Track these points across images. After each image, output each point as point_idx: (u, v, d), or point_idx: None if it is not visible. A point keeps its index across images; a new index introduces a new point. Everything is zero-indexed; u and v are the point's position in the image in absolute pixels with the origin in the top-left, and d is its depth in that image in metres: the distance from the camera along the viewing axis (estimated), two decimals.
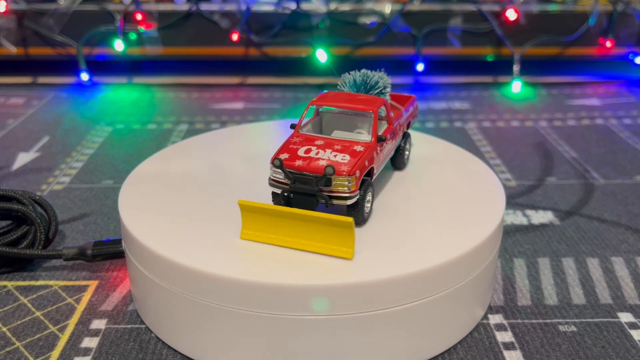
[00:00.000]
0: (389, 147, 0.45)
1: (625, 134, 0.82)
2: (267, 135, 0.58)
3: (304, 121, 0.45)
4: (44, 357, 0.41)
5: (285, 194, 0.40)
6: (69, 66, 1.04)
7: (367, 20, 1.00)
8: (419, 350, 0.40)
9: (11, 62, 1.05)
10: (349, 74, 0.48)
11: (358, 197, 0.39)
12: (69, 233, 0.56)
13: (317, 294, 0.36)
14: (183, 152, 0.54)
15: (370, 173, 0.42)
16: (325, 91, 0.47)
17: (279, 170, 0.40)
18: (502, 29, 1.01)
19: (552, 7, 1.01)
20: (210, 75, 1.09)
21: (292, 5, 0.99)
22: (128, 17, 1.00)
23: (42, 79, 1.06)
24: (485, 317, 0.45)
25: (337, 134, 0.45)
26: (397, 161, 0.50)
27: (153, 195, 0.46)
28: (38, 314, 0.45)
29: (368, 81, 0.47)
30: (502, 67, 1.05)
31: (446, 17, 1.00)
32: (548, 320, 0.45)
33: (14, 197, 0.51)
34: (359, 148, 0.41)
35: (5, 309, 0.46)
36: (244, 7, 0.99)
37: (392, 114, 0.46)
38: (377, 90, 0.47)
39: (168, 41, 1.01)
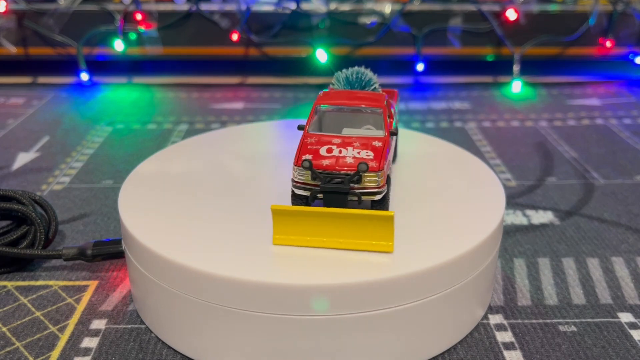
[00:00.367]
0: (394, 142, 0.46)
1: (625, 134, 0.82)
2: (267, 136, 0.58)
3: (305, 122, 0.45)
4: (43, 357, 0.41)
5: (315, 195, 0.39)
6: (69, 66, 1.04)
7: (367, 20, 1.00)
8: (419, 350, 0.40)
9: (11, 62, 1.05)
10: (341, 71, 0.48)
11: (385, 191, 0.40)
12: (69, 233, 0.56)
13: (317, 294, 0.36)
14: (183, 152, 0.54)
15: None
16: (326, 90, 0.47)
17: (306, 172, 0.39)
18: (502, 29, 1.00)
19: (552, 7, 1.01)
20: (210, 75, 1.09)
21: (292, 5, 0.99)
22: (128, 17, 1.00)
23: (42, 79, 1.05)
24: (485, 317, 0.45)
25: (348, 132, 0.44)
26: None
27: (153, 195, 0.46)
28: (38, 314, 0.45)
29: (363, 78, 0.47)
30: (502, 67, 1.04)
31: (446, 17, 1.00)
32: (548, 320, 0.45)
33: (14, 197, 0.51)
34: (377, 144, 0.41)
35: (5, 309, 0.46)
36: (244, 7, 0.99)
37: (392, 109, 0.47)
38: (372, 87, 0.47)
39: (168, 41, 1.01)
